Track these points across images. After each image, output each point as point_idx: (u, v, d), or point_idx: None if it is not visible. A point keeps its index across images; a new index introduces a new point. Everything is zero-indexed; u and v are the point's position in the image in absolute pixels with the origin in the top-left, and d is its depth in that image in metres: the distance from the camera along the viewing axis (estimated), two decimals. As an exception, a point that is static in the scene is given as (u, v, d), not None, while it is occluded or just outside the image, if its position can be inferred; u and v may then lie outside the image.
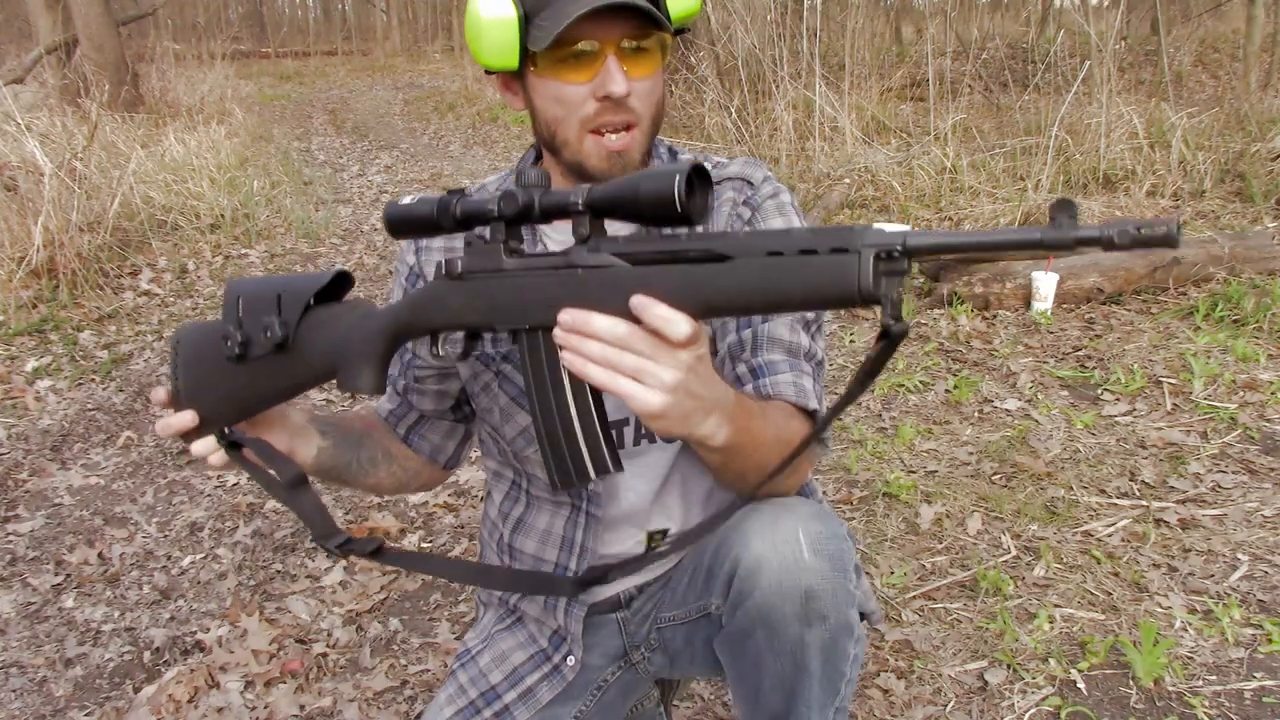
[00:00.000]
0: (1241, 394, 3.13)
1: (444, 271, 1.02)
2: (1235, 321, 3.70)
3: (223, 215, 5.90)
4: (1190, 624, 2.07)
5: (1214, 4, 10.35)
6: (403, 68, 19.66)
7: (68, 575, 2.50)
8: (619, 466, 0.99)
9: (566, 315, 0.90)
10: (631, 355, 0.87)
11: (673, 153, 1.30)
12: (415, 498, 2.80)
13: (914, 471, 2.80)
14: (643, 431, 1.31)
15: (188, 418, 1.15)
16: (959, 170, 5.74)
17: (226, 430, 1.17)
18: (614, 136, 1.15)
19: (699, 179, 0.88)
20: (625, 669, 1.40)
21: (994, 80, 7.44)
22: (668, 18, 1.12)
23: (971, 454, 2.89)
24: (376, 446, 1.35)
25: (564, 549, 1.34)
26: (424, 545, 2.57)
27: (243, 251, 5.55)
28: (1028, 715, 1.85)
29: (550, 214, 0.97)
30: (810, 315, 1.22)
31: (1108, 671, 1.96)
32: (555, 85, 1.13)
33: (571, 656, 1.35)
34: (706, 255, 0.89)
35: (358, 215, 6.76)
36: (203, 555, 2.56)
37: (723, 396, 0.96)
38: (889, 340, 0.84)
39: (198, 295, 4.85)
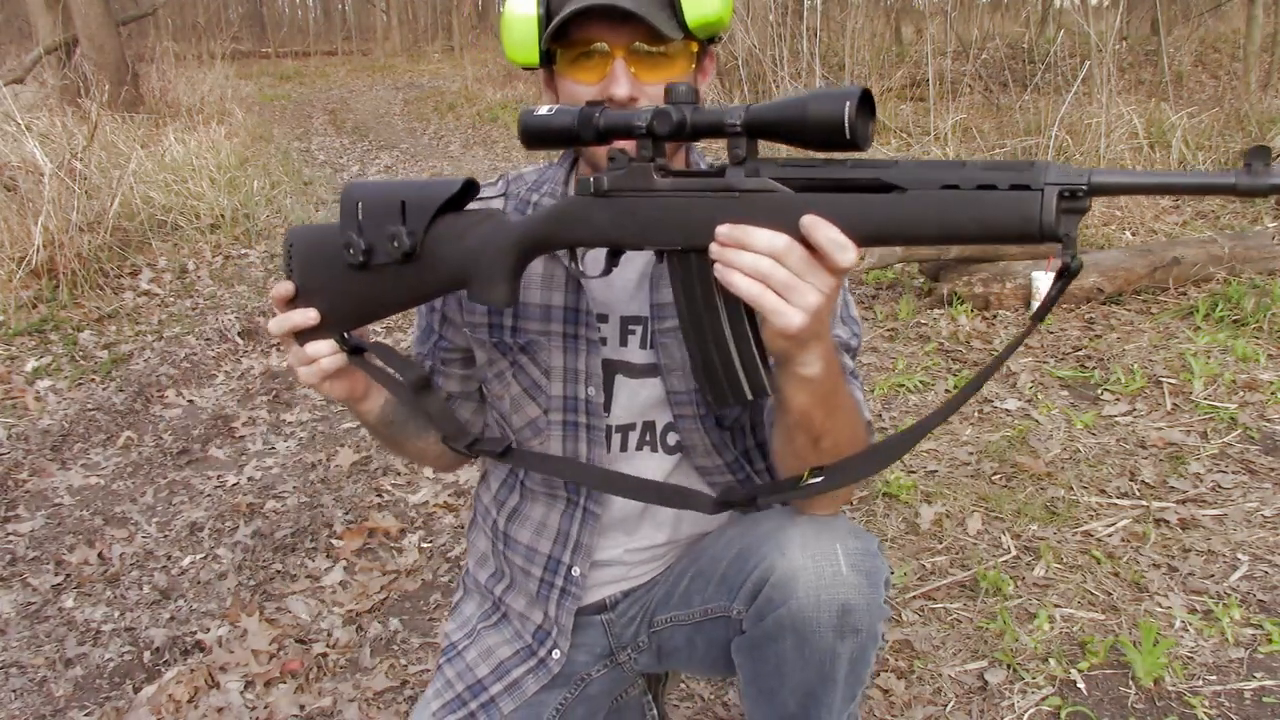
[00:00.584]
0: (1241, 394, 3.13)
1: (590, 188, 1.01)
2: (1235, 321, 3.70)
3: (223, 215, 5.90)
4: (1190, 624, 2.07)
5: (1214, 4, 10.35)
6: (403, 68, 19.67)
7: (68, 575, 2.50)
8: (774, 388, 1.01)
9: (725, 227, 0.91)
10: (784, 271, 0.89)
11: (689, 150, 1.30)
12: (414, 498, 2.80)
13: (914, 471, 2.80)
14: (646, 438, 1.32)
15: (311, 314, 1.13)
16: (959, 170, 5.74)
17: (346, 335, 1.15)
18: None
19: (866, 104, 0.88)
20: (611, 667, 1.42)
21: (994, 80, 7.44)
22: (682, 25, 1.12)
23: (971, 454, 2.89)
24: (426, 423, 1.34)
25: (559, 542, 1.35)
26: (424, 545, 2.57)
27: (243, 251, 5.55)
28: (1028, 715, 1.85)
29: (702, 132, 0.97)
30: (850, 342, 1.26)
31: (1108, 671, 1.96)
32: (570, 84, 1.17)
33: (557, 650, 1.36)
34: (877, 184, 0.88)
35: (358, 215, 6.76)
36: (203, 555, 2.56)
37: (827, 332, 0.97)
38: (1067, 277, 0.86)
39: (198, 295, 4.85)
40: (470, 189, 1.12)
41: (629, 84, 1.12)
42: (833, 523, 1.15)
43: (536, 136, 1.04)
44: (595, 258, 1.12)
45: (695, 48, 1.17)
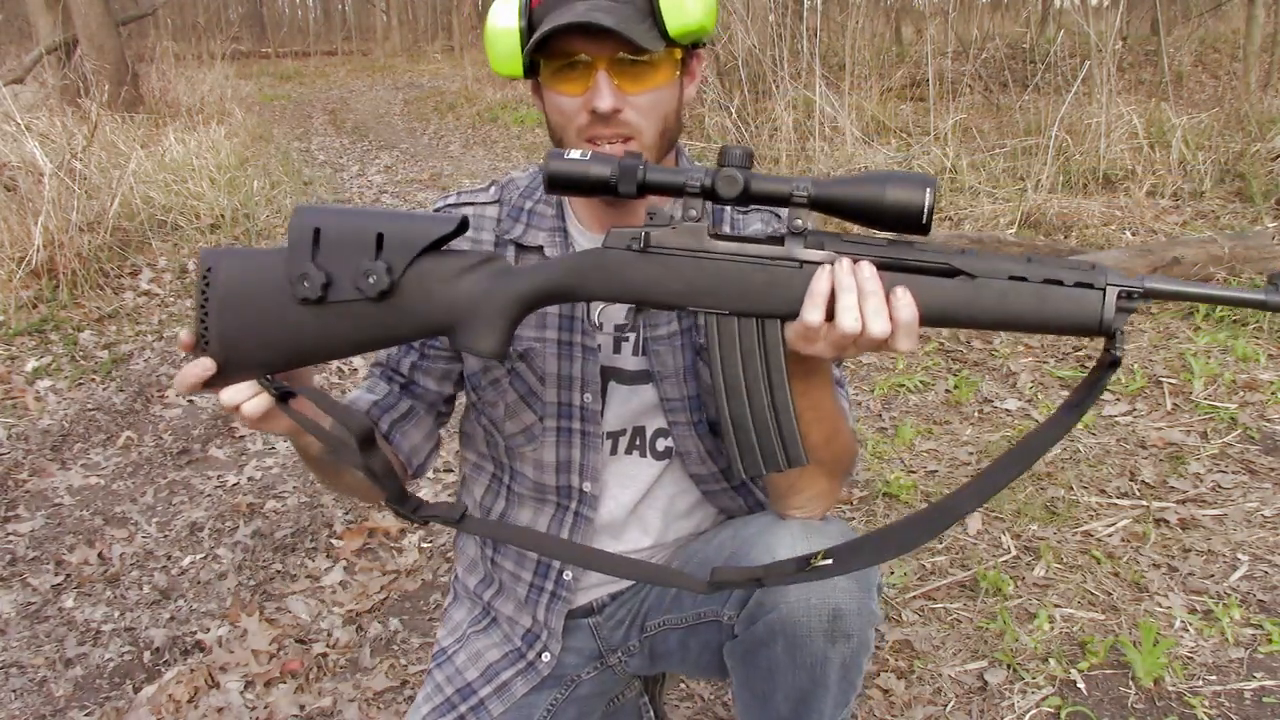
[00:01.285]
0: (1241, 394, 3.13)
1: (626, 242, 0.98)
2: (1235, 321, 3.70)
3: (223, 215, 5.90)
4: (1190, 624, 2.07)
5: (1214, 4, 10.35)
6: (403, 68, 19.66)
7: (68, 575, 2.50)
8: (805, 458, 1.01)
9: (867, 267, 0.92)
10: (854, 296, 0.92)
11: (678, 153, 1.30)
12: (415, 498, 2.80)
13: (914, 471, 2.80)
14: (635, 443, 1.32)
15: (206, 365, 1.00)
16: (959, 170, 5.74)
17: (271, 377, 1.02)
18: (608, 146, 1.16)
19: (934, 190, 0.92)
20: (601, 670, 1.42)
21: (994, 80, 7.44)
22: (664, 34, 1.12)
23: (971, 454, 2.89)
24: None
25: None
26: (424, 545, 2.57)
27: (243, 251, 5.54)
28: (1028, 715, 1.85)
29: (763, 200, 0.96)
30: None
31: (1108, 671, 1.96)
32: (554, 96, 1.17)
33: (547, 653, 1.37)
34: (948, 269, 0.93)
35: (358, 215, 6.76)
36: (203, 555, 2.56)
37: (827, 367, 1.06)
38: (1110, 368, 0.94)
39: (198, 295, 4.85)
40: (463, 229, 1.03)
41: (612, 95, 1.12)
42: (825, 526, 1.16)
43: (565, 183, 0.98)
44: (613, 311, 1.11)
45: (679, 55, 1.17)
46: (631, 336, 1.29)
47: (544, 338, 1.27)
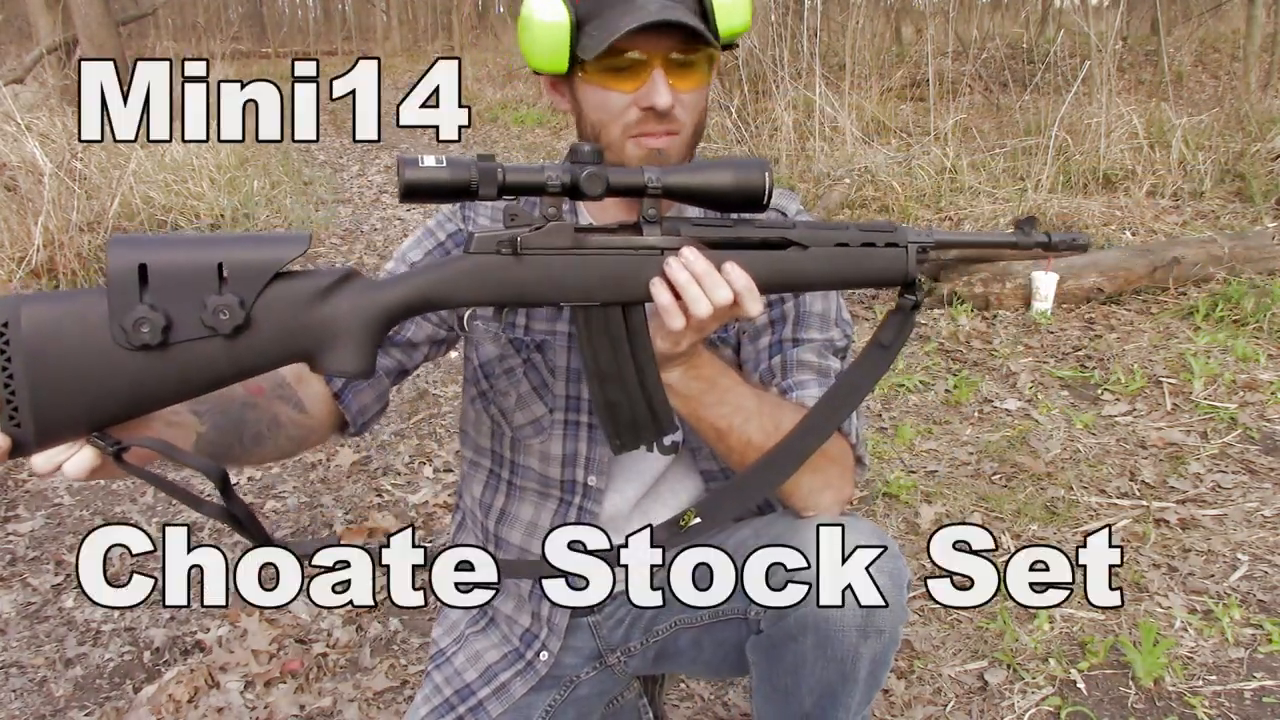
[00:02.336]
0: (1241, 394, 3.13)
1: (495, 247, 0.97)
2: (1235, 321, 3.70)
3: (223, 215, 5.90)
4: (1190, 624, 2.07)
5: (1214, 4, 10.34)
6: (403, 68, 19.66)
7: (68, 575, 2.50)
8: (675, 425, 1.10)
9: (691, 253, 0.99)
10: (697, 288, 0.99)
11: None
12: (414, 497, 2.80)
13: (914, 471, 2.80)
14: None
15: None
16: (959, 170, 5.74)
17: (100, 435, 0.88)
18: (653, 140, 1.18)
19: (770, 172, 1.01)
20: (600, 669, 1.42)
21: (994, 80, 7.44)
22: (717, 34, 1.14)
23: (971, 454, 2.89)
24: (262, 418, 1.14)
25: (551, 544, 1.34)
26: (425, 544, 2.57)
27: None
28: (1028, 715, 1.85)
29: (618, 192, 0.99)
30: (840, 343, 1.29)
31: (1108, 671, 1.96)
32: (601, 92, 1.15)
33: (545, 651, 1.37)
34: (782, 242, 1.03)
35: (357, 215, 6.77)
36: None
37: (698, 354, 1.10)
38: (914, 309, 1.09)
39: (198, 295, 4.85)
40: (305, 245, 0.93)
41: (669, 93, 1.13)
42: (855, 523, 1.16)
43: (421, 191, 0.92)
44: (485, 316, 1.13)
45: (715, 54, 1.19)
46: None
47: (555, 330, 1.27)
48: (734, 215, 1.05)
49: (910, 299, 1.07)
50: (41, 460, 0.87)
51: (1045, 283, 3.91)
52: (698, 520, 1.12)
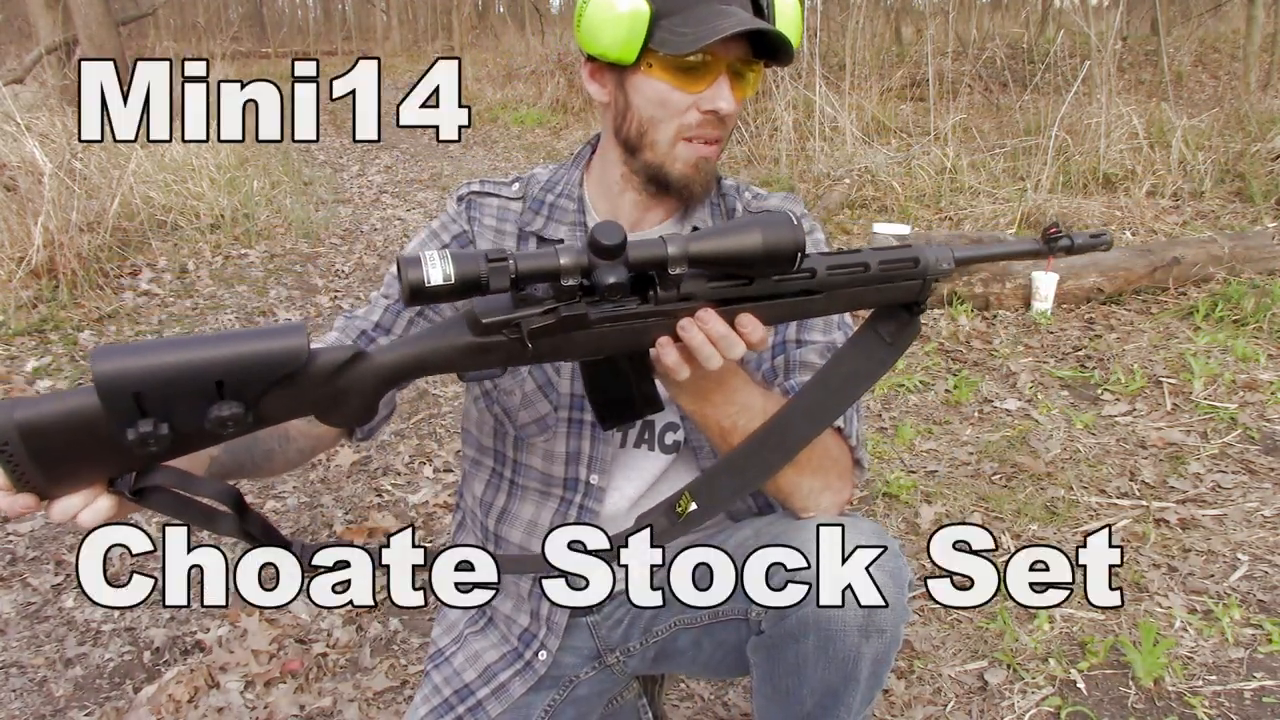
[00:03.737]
0: (1241, 394, 3.13)
1: (500, 333, 0.92)
2: (1235, 321, 3.70)
3: (223, 215, 5.90)
4: (1190, 624, 2.07)
5: (1214, 4, 10.34)
6: (403, 68, 19.66)
7: (68, 575, 2.50)
8: (661, 404, 1.07)
9: (708, 314, 0.97)
10: (719, 359, 0.98)
11: None
12: (414, 497, 2.80)
13: (914, 471, 2.80)
14: (644, 436, 1.32)
15: (23, 502, 0.86)
16: (959, 170, 5.74)
17: (114, 481, 0.90)
18: (705, 148, 1.19)
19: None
20: (599, 669, 1.42)
21: (994, 80, 7.44)
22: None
23: (971, 454, 2.89)
24: (273, 434, 1.16)
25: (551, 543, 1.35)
26: (425, 544, 2.57)
27: (243, 251, 5.54)
28: (1028, 715, 1.85)
29: (640, 268, 0.93)
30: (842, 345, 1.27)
31: (1108, 671, 1.96)
32: (664, 89, 1.15)
33: (544, 651, 1.37)
34: (800, 291, 1.01)
35: (357, 215, 6.77)
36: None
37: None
38: (918, 316, 1.07)
39: (198, 295, 4.85)
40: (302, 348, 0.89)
41: (733, 99, 1.15)
42: (856, 523, 1.16)
43: (425, 295, 0.86)
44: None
45: (762, 68, 1.20)
46: None
47: None
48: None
49: (917, 309, 1.06)
50: (58, 511, 0.88)
51: (1045, 283, 3.91)
52: (694, 507, 1.10)
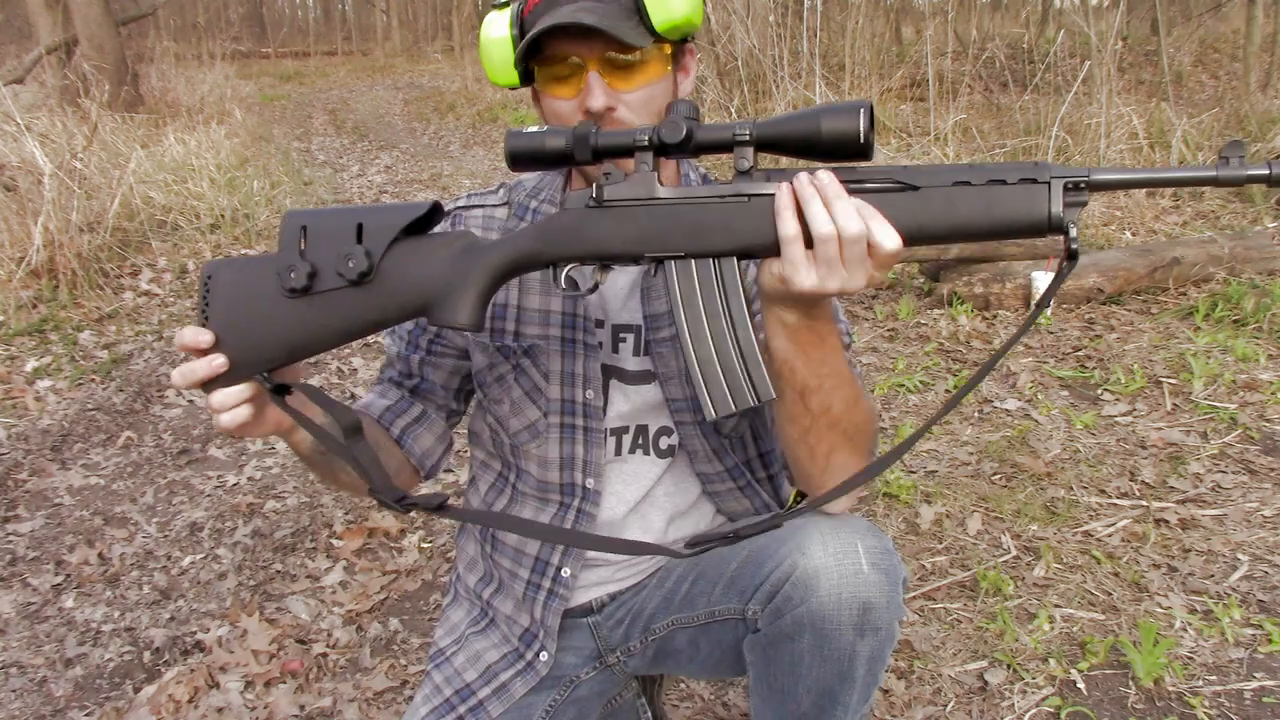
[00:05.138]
0: (1241, 394, 3.13)
1: (584, 200, 1.01)
2: (1235, 321, 3.70)
3: (223, 215, 5.90)
4: (1190, 624, 2.07)
5: (1214, 4, 10.35)
6: (403, 68, 19.66)
7: (68, 575, 2.50)
8: (771, 391, 1.02)
9: (826, 175, 0.93)
10: (835, 246, 0.92)
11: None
12: (415, 498, 2.80)
13: (914, 471, 2.80)
14: (639, 441, 1.32)
15: (219, 363, 1.03)
16: (959, 170, 5.74)
17: (266, 375, 1.06)
18: None
19: (870, 114, 0.93)
20: (600, 670, 1.42)
21: (994, 80, 7.44)
22: (651, 30, 1.13)
23: (971, 454, 2.89)
24: (369, 438, 1.22)
25: (547, 544, 1.35)
26: (424, 545, 2.57)
27: (243, 251, 5.55)
28: (1028, 715, 1.85)
29: (708, 148, 0.98)
30: (844, 340, 1.25)
31: (1108, 671, 1.96)
32: (551, 100, 1.18)
33: (545, 652, 1.37)
34: (892, 184, 0.94)
35: (358, 215, 6.76)
36: (203, 555, 2.56)
37: (818, 306, 1.03)
38: (1071, 262, 0.93)
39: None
40: (436, 213, 1.08)
41: (604, 95, 1.13)
42: (851, 521, 1.16)
43: (526, 158, 1.02)
44: (581, 274, 1.12)
45: (669, 50, 1.18)
46: (629, 337, 1.30)
47: (548, 335, 1.28)
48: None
49: (1074, 247, 0.92)
50: (219, 398, 1.04)
51: (1045, 282, 3.91)
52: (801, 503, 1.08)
